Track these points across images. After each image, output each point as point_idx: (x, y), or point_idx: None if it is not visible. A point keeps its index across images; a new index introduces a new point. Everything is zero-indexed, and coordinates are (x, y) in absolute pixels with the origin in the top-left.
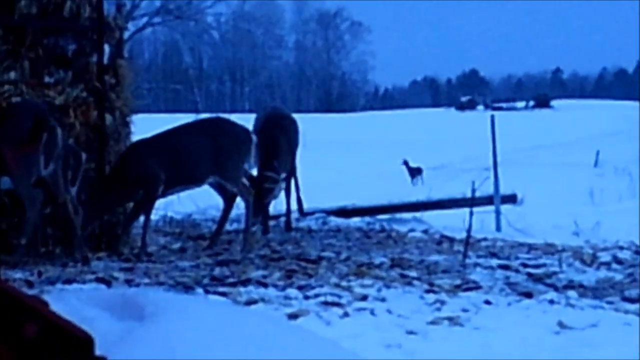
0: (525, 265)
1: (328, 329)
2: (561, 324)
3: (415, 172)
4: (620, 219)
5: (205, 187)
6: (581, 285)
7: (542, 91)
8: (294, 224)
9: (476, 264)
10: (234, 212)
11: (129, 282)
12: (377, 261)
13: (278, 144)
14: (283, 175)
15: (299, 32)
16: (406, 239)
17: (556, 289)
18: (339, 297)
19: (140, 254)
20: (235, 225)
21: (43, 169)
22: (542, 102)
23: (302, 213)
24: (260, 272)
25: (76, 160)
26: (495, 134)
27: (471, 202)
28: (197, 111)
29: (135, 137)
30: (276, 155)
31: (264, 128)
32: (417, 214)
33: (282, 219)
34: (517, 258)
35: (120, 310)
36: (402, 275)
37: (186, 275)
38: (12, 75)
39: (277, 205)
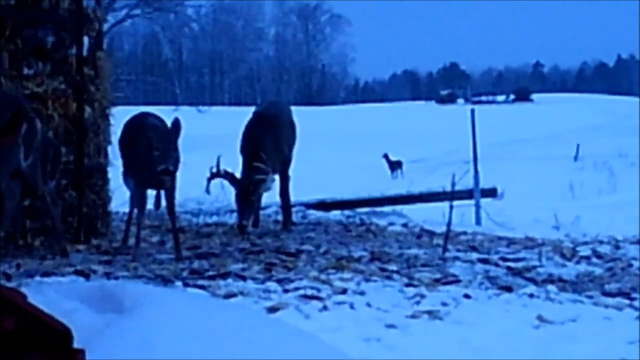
0: (505, 259)
1: (307, 322)
2: (541, 318)
3: (395, 166)
4: (600, 213)
5: (183, 178)
6: (561, 280)
7: (522, 85)
8: (272, 217)
9: (456, 258)
10: (213, 206)
11: (107, 275)
12: (356, 254)
13: (263, 140)
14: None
15: (279, 24)
16: (386, 233)
17: (536, 283)
18: (319, 290)
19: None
20: (215, 218)
21: (23, 161)
22: (523, 96)
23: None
24: (240, 266)
25: (55, 153)
26: (475, 127)
27: (451, 195)
28: (176, 104)
29: (114, 130)
30: (263, 149)
31: (250, 126)
32: (397, 208)
33: (262, 212)
34: (496, 252)
35: (99, 303)
36: (382, 269)
37: (165, 268)
38: None
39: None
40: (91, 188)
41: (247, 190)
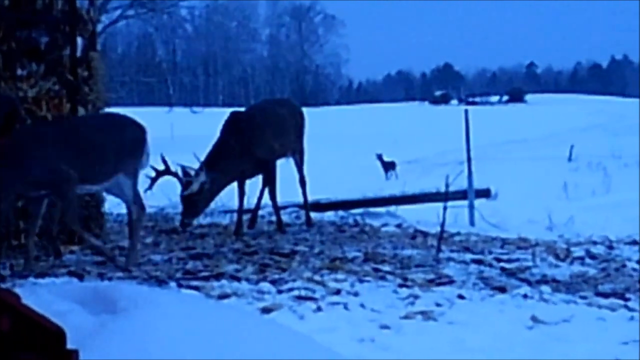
0: (498, 260)
1: (301, 323)
2: (534, 319)
3: (389, 166)
4: (593, 214)
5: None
6: (554, 280)
7: (516, 85)
8: (266, 218)
9: (450, 259)
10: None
11: (101, 276)
12: (350, 255)
13: (216, 146)
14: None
15: (273, 25)
16: (380, 233)
17: (530, 283)
18: (313, 291)
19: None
20: (208, 219)
21: None
22: (516, 97)
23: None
24: (234, 266)
25: None
26: (469, 128)
27: (445, 196)
28: (170, 104)
29: None
30: (209, 155)
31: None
32: (391, 208)
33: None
34: (490, 252)
35: (93, 304)
36: (376, 270)
37: (159, 269)
38: None
39: (249, 199)
40: None
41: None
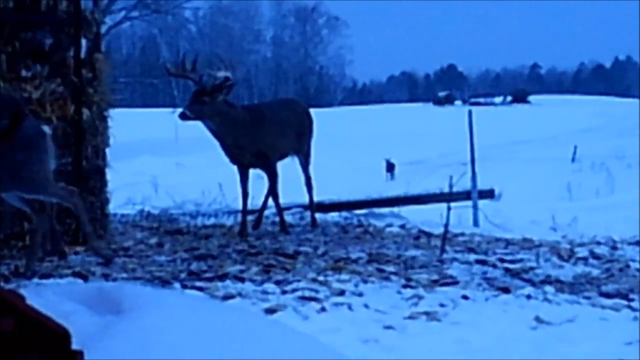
0: (502, 261)
1: (305, 323)
2: (538, 319)
3: (390, 168)
4: (597, 214)
5: (181, 180)
6: (558, 281)
7: (520, 86)
8: (270, 219)
9: (454, 259)
10: (211, 207)
11: (106, 277)
12: (354, 256)
13: (239, 131)
14: None
15: (277, 26)
16: (384, 234)
17: (533, 284)
18: (317, 291)
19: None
20: (213, 220)
21: None
22: (520, 98)
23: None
24: (238, 267)
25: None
26: (472, 129)
27: (449, 197)
28: (174, 105)
29: (112, 132)
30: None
31: None
32: (395, 209)
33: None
34: (494, 253)
35: (98, 305)
36: (380, 270)
37: (163, 269)
38: None
39: (254, 200)
40: (89, 190)
41: None
